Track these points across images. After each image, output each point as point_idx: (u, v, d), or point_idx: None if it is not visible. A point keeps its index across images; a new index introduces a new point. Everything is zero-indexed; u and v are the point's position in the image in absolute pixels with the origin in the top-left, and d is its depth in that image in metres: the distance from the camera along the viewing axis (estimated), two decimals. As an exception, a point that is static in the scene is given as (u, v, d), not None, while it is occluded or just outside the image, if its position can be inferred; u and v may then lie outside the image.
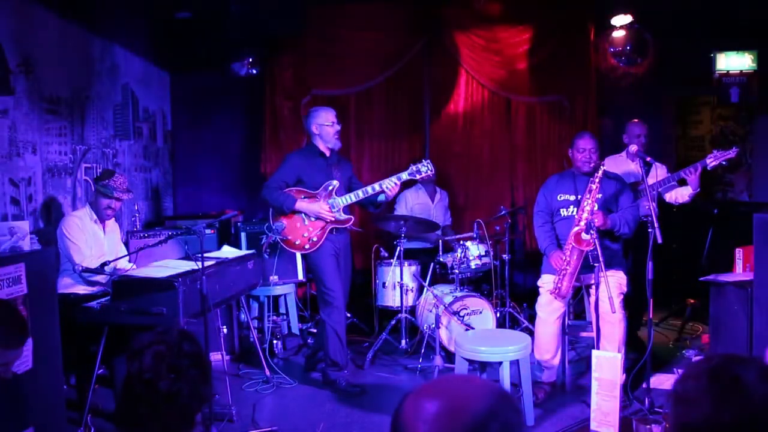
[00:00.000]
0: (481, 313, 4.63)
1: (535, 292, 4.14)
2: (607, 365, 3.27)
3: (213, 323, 3.99)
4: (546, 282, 3.95)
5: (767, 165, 6.64)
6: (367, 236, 6.20)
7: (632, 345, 4.72)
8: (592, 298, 3.83)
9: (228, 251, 4.11)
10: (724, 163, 4.31)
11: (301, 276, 5.15)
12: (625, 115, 5.21)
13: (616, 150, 4.83)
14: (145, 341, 1.64)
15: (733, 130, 7.28)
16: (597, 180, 3.74)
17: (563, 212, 3.98)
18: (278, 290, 5.20)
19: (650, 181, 4.20)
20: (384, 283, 5.20)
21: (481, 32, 6.14)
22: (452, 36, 6.16)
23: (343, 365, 4.16)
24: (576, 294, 4.84)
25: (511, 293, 5.27)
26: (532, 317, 5.09)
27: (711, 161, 4.25)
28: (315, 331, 5.26)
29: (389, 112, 6.39)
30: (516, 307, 5.28)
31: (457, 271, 4.85)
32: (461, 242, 5.05)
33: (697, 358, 4.52)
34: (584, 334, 5.06)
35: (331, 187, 4.18)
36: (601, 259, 3.50)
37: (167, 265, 3.56)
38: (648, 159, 3.87)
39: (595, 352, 3.41)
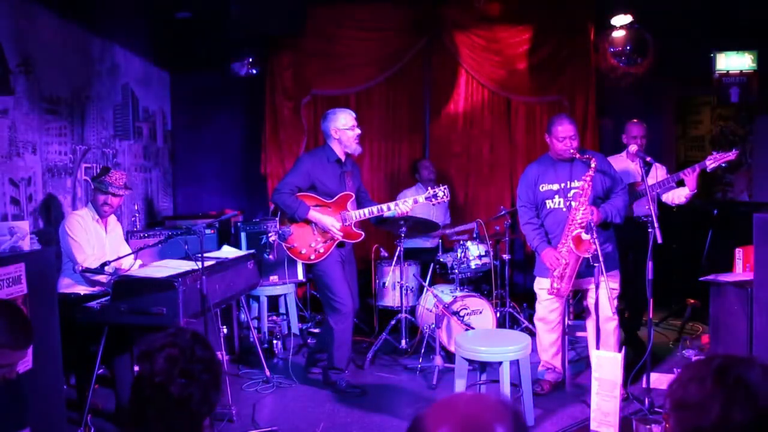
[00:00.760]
0: (481, 313, 4.63)
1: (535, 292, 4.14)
2: (607, 365, 3.27)
3: (213, 323, 3.99)
4: (542, 285, 3.93)
5: (767, 165, 6.64)
6: (367, 236, 6.19)
7: (632, 345, 4.73)
8: (591, 299, 3.82)
9: (228, 251, 4.11)
10: (723, 164, 4.31)
11: (301, 276, 5.15)
12: (625, 115, 5.21)
13: (616, 150, 4.83)
14: (158, 343, 1.60)
15: (733, 130, 7.28)
16: (589, 179, 3.70)
17: (549, 204, 3.88)
18: (278, 290, 5.20)
19: (650, 181, 4.20)
20: (384, 283, 5.20)
21: (481, 32, 6.14)
22: (452, 36, 6.16)
23: (345, 369, 4.14)
24: (576, 294, 4.84)
25: (511, 293, 5.27)
26: (531, 317, 5.10)
27: (710, 163, 4.25)
28: (315, 331, 5.27)
29: (389, 112, 6.39)
30: (516, 307, 5.28)
31: (457, 271, 4.85)
32: (461, 242, 5.05)
33: (697, 358, 4.52)
34: (582, 334, 5.05)
35: (341, 198, 4.09)
36: (600, 259, 3.48)
37: (167, 265, 3.56)
38: (648, 159, 3.87)
39: (595, 352, 3.41)
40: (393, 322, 4.86)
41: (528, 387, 3.53)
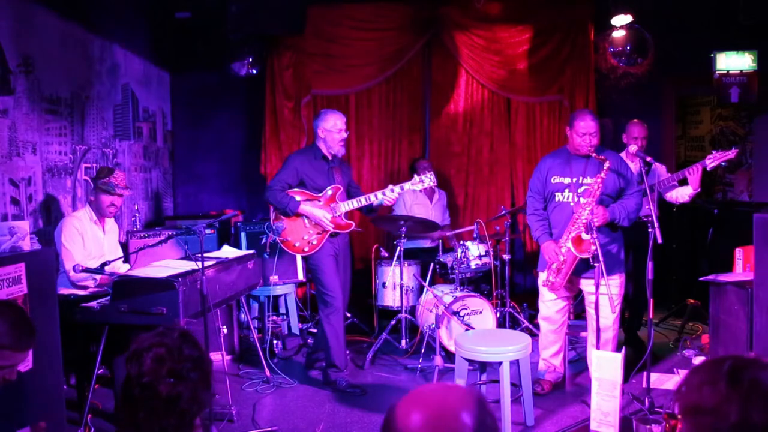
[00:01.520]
0: (481, 313, 4.64)
1: (535, 292, 4.14)
2: (607, 365, 3.27)
3: (213, 323, 3.99)
4: (544, 279, 3.95)
5: (767, 165, 6.65)
6: (367, 236, 6.21)
7: (632, 345, 4.73)
8: (591, 299, 3.82)
9: (228, 251, 4.11)
10: (723, 163, 4.32)
11: (301, 276, 5.15)
12: (625, 115, 5.21)
13: (615, 150, 4.81)
14: (145, 343, 1.60)
15: (733, 130, 7.29)
16: (600, 180, 3.70)
17: (558, 197, 3.87)
18: (278, 290, 5.20)
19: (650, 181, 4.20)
20: (384, 283, 5.20)
21: (481, 32, 6.15)
22: (452, 36, 6.16)
23: (343, 367, 4.16)
24: (577, 295, 4.84)
25: (511, 293, 5.27)
26: (532, 317, 5.11)
27: (710, 162, 4.25)
28: (315, 331, 5.27)
29: (389, 112, 6.39)
30: (516, 307, 5.28)
31: (457, 271, 4.85)
32: (461, 242, 5.05)
33: (697, 358, 4.53)
34: (583, 333, 5.05)
35: (331, 192, 4.19)
36: (601, 258, 3.47)
37: (167, 265, 3.56)
38: (648, 159, 3.87)
39: (595, 352, 3.41)
40: (393, 322, 4.86)
41: (528, 387, 3.52)
